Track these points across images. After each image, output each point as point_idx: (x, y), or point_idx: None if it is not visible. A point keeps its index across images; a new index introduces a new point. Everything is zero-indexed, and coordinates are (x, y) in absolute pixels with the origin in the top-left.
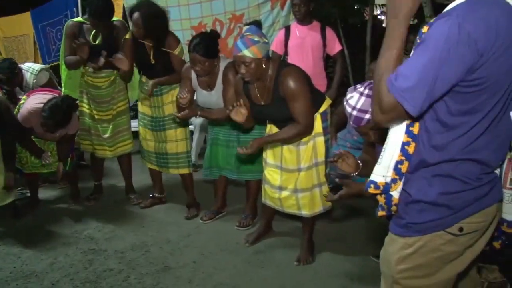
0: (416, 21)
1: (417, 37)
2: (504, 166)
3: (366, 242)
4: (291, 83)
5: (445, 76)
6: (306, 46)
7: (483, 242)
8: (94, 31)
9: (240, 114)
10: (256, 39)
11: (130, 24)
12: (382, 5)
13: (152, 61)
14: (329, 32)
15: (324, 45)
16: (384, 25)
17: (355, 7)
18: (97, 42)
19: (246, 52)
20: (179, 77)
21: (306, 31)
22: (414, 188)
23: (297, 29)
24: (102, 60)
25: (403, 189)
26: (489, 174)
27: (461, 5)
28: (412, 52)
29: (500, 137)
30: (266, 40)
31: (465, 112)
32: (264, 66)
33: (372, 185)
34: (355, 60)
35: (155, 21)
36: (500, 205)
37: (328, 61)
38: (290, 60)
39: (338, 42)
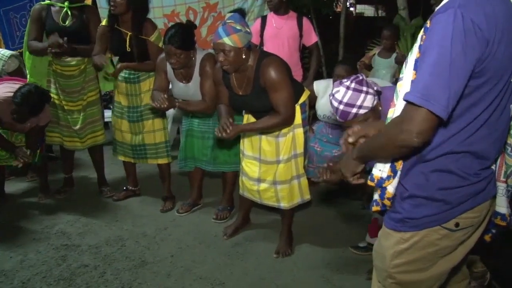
0: (382, 12)
1: (422, 33)
2: (499, 159)
3: (344, 233)
4: (273, 73)
5: (460, 68)
6: (282, 37)
7: (477, 236)
8: (63, 12)
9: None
10: (238, 27)
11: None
12: None
13: (128, 49)
14: (306, 23)
15: (301, 36)
16: (354, 14)
17: None
18: (66, 24)
19: (227, 40)
20: (153, 65)
21: (283, 21)
22: (411, 183)
23: (273, 19)
24: (67, 45)
25: (400, 183)
26: (487, 170)
27: None
28: (417, 51)
29: (498, 130)
30: (248, 30)
31: (469, 105)
32: (244, 56)
33: (369, 178)
34: (328, 51)
35: None
36: (494, 200)
37: (304, 52)
38: (265, 50)
39: (315, 33)
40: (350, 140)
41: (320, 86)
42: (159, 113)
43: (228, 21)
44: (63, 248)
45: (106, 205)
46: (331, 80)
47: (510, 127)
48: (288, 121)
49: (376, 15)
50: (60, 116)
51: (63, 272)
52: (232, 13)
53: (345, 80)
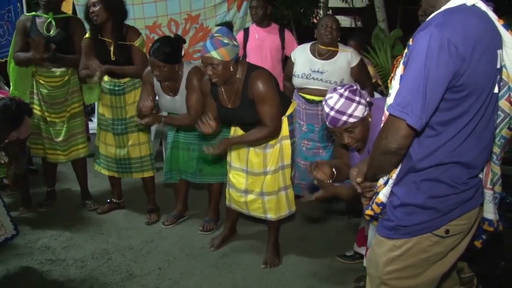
0: (359, 23)
1: (406, 49)
2: (485, 167)
3: (331, 243)
4: (261, 86)
5: (434, 83)
6: (265, 48)
7: (466, 242)
8: (47, 22)
9: (208, 128)
10: (225, 41)
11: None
12: (329, 8)
13: (113, 58)
14: (288, 35)
15: (283, 47)
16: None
17: (301, 10)
18: (51, 33)
19: (214, 54)
20: (138, 71)
21: (265, 33)
22: (402, 191)
23: (256, 31)
24: (50, 53)
25: (391, 191)
26: (475, 178)
27: (438, 15)
28: (402, 67)
29: (485, 140)
30: (236, 43)
31: (455, 117)
32: (232, 69)
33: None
34: None
35: (115, 1)
36: (482, 207)
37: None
38: (248, 62)
39: (297, 44)
40: (359, 180)
41: (296, 52)
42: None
43: (215, 34)
44: (47, 263)
45: (90, 218)
46: (306, 44)
47: (495, 136)
48: (274, 134)
49: (353, 26)
50: (42, 128)
51: None
52: (219, 27)
53: (339, 87)
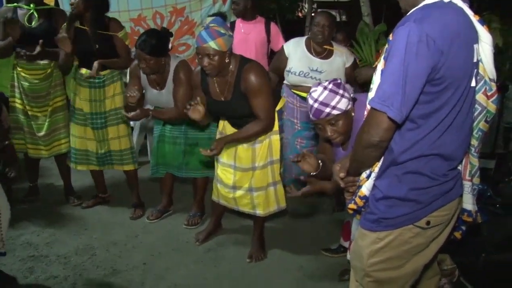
0: (343, 17)
1: (387, 45)
2: (464, 159)
3: (316, 237)
4: (254, 79)
5: (413, 77)
6: (250, 42)
7: (447, 233)
8: (29, 14)
9: (197, 112)
10: (222, 31)
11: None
12: (314, 2)
13: (96, 46)
14: (274, 28)
15: (268, 41)
16: None
17: (287, 3)
18: (32, 25)
19: (212, 44)
20: (125, 62)
21: (251, 27)
22: (385, 185)
23: (241, 25)
24: (38, 48)
25: (374, 185)
26: (454, 170)
27: (416, 10)
28: (383, 62)
29: (464, 133)
30: (231, 34)
31: (434, 110)
32: (227, 60)
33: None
34: None
35: None
36: (461, 198)
37: (271, 57)
38: None
39: (282, 38)
40: (342, 175)
41: (291, 46)
42: (124, 118)
43: (211, 24)
44: (30, 260)
45: (74, 214)
46: (300, 38)
47: (473, 129)
48: (269, 127)
49: (338, 20)
50: (24, 122)
51: (31, 285)
52: (213, 17)
53: (324, 81)
